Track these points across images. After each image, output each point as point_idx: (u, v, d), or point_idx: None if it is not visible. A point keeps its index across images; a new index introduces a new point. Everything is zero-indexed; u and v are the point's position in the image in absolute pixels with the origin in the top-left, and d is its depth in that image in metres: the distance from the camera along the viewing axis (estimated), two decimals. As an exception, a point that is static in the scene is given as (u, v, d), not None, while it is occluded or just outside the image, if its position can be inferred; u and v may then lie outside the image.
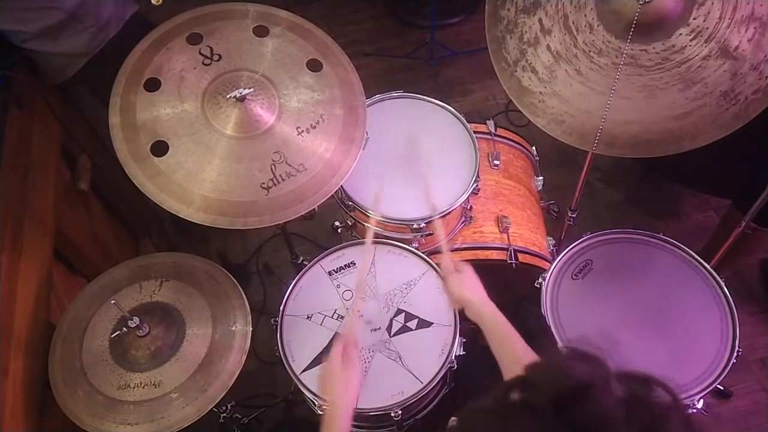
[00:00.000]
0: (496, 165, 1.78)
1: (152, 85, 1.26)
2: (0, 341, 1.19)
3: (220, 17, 1.35)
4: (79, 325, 1.33)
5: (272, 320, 1.42)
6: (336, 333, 1.38)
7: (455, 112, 1.70)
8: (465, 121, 1.68)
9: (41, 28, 1.54)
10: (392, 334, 1.39)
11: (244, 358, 1.29)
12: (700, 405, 1.30)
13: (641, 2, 1.19)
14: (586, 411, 0.54)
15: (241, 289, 1.38)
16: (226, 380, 1.26)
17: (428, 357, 1.35)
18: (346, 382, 1.10)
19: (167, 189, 1.22)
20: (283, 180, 1.28)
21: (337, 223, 1.69)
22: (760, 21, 1.17)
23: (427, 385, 1.31)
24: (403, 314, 1.41)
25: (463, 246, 1.66)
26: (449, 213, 1.54)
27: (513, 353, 1.08)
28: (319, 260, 1.51)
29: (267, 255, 2.39)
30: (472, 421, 0.62)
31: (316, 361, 1.35)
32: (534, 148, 1.96)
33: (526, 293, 1.53)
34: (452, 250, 1.64)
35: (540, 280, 1.49)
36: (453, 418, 0.65)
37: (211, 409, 1.24)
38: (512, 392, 0.59)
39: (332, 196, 1.38)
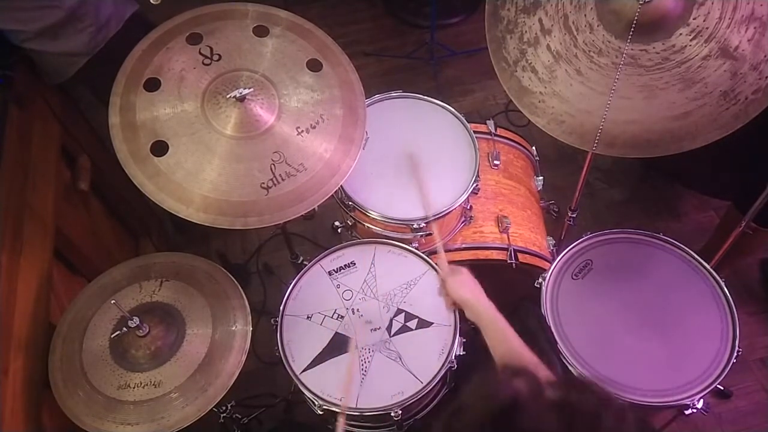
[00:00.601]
0: (496, 165, 1.78)
1: (152, 85, 1.26)
2: (0, 341, 1.19)
3: (220, 17, 1.35)
4: (79, 325, 1.32)
5: (272, 320, 1.42)
6: (336, 332, 1.39)
7: (455, 112, 1.70)
8: (465, 121, 1.68)
9: (41, 27, 1.54)
10: (392, 334, 1.39)
11: (244, 358, 1.29)
12: (700, 405, 1.30)
13: (641, 2, 1.19)
14: (521, 424, 0.56)
15: (241, 289, 1.38)
16: (226, 380, 1.26)
17: (428, 357, 1.35)
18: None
19: (167, 189, 1.21)
20: (282, 180, 1.28)
21: (337, 223, 1.69)
22: (760, 21, 1.17)
23: (427, 385, 1.31)
24: (403, 314, 1.41)
25: (463, 246, 1.66)
26: (449, 213, 1.54)
27: (510, 352, 1.08)
28: (319, 260, 1.51)
29: (267, 255, 2.39)
30: None
31: (316, 361, 1.35)
32: (534, 148, 1.96)
33: (526, 293, 1.53)
34: (452, 250, 1.64)
35: (540, 280, 1.50)
36: None
37: (211, 409, 1.24)
38: (454, 419, 0.60)
39: (332, 196, 1.38)
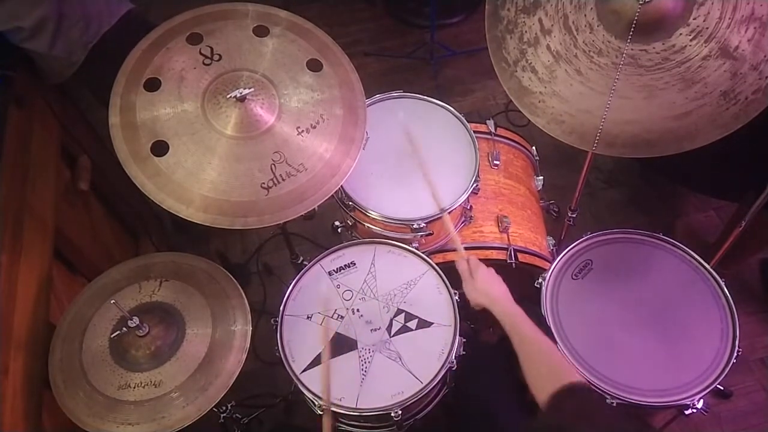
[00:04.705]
0: (496, 165, 1.78)
1: (152, 85, 1.26)
2: (0, 341, 1.19)
3: (220, 17, 1.35)
4: (79, 325, 1.32)
5: (272, 320, 1.42)
6: (336, 333, 1.39)
7: (455, 112, 1.70)
8: (465, 120, 1.68)
9: (37, 19, 1.53)
10: (392, 334, 1.39)
11: (244, 357, 1.29)
12: (700, 405, 1.30)
13: (641, 2, 1.19)
14: None
15: (241, 289, 1.38)
16: (226, 380, 1.26)
17: (428, 357, 1.35)
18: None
19: (167, 189, 1.21)
20: (283, 180, 1.28)
21: (337, 223, 1.69)
22: (760, 21, 1.17)
23: (427, 385, 1.31)
24: (403, 314, 1.41)
25: (463, 246, 1.65)
26: (449, 213, 1.53)
27: (539, 354, 1.10)
28: (319, 260, 1.51)
29: (267, 255, 2.39)
30: None
31: (316, 361, 1.35)
32: (534, 147, 1.96)
33: (526, 293, 1.53)
34: (452, 250, 1.64)
35: (540, 280, 1.50)
36: None
37: (212, 409, 1.24)
38: None
39: (332, 196, 1.38)
